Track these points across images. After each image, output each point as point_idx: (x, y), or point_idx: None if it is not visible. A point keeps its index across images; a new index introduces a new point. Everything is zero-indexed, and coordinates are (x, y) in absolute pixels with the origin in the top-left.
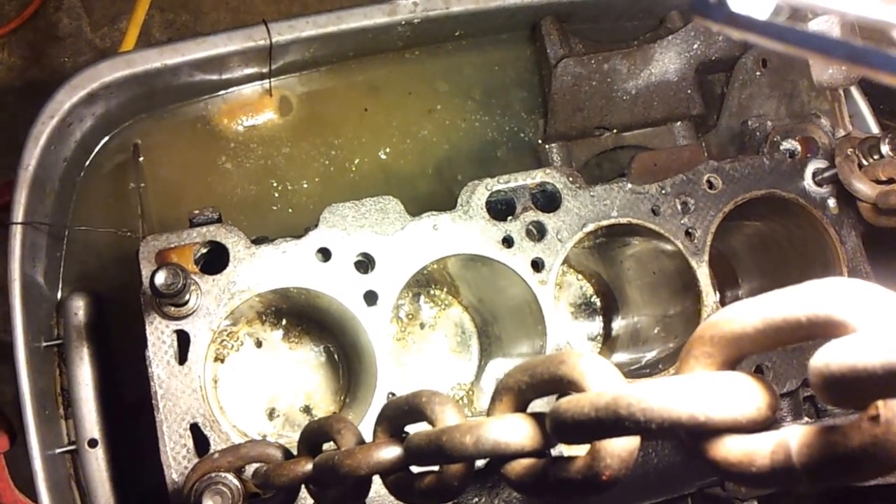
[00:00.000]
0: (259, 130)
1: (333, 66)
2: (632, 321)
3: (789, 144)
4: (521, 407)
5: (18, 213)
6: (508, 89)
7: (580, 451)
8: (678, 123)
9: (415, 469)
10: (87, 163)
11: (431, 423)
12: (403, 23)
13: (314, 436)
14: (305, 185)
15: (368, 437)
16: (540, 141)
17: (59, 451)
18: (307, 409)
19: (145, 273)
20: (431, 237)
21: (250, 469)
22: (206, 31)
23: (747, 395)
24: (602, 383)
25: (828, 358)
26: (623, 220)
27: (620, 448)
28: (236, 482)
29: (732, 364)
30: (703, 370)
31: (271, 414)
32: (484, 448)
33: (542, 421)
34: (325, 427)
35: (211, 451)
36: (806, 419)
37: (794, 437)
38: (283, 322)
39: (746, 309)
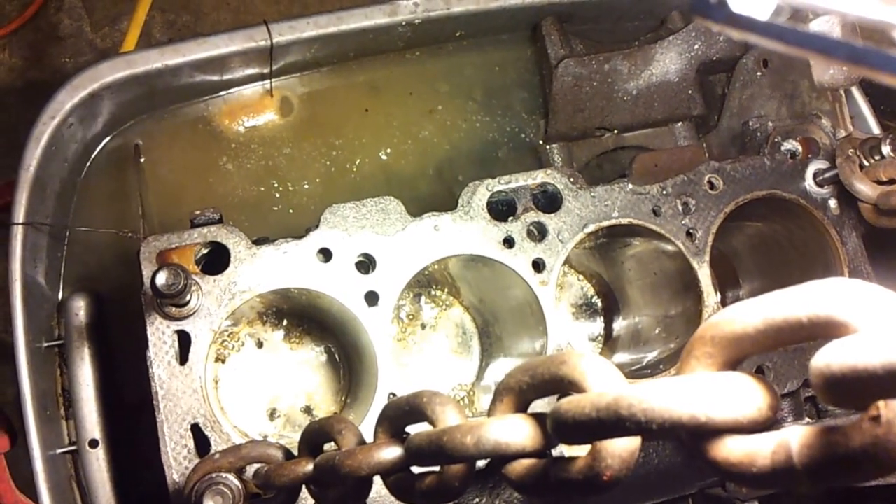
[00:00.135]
0: (260, 131)
1: (334, 67)
2: (633, 322)
3: (790, 145)
4: (522, 407)
5: (19, 214)
6: (509, 90)
7: (581, 451)
8: (679, 124)
9: (416, 469)
10: (88, 163)
11: (432, 423)
12: (404, 23)
13: (315, 436)
14: (306, 186)
15: (369, 438)
16: (541, 141)
17: (59, 451)
18: (308, 410)
19: (146, 273)
20: (432, 238)
21: (251, 469)
22: (206, 31)
23: (748, 396)
24: (603, 384)
25: (829, 358)
26: (624, 221)
27: (621, 448)
28: (237, 483)
29: (733, 364)
30: (704, 371)
31: (272, 414)
32: (485, 448)
33: (543, 421)
34: (326, 427)
35: (212, 451)
36: (807, 420)
37: (794, 437)
38: (284, 322)
39: (747, 309)
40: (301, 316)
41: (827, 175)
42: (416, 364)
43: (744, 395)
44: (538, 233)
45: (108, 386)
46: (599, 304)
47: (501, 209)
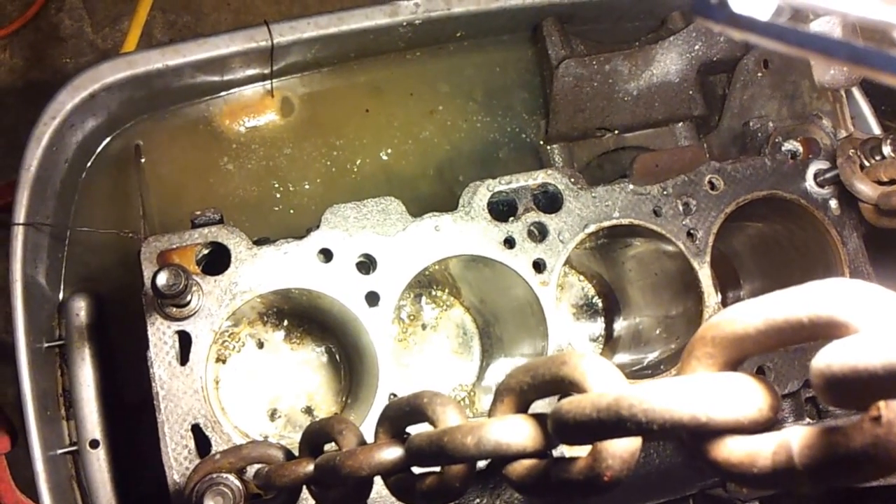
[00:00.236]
0: (261, 131)
1: (335, 67)
2: (633, 322)
3: (791, 145)
4: (522, 408)
5: (20, 214)
6: (510, 90)
7: (582, 451)
8: (680, 124)
9: (416, 470)
10: (89, 164)
11: (433, 423)
12: (405, 24)
13: (316, 436)
14: (307, 186)
15: (370, 438)
16: (541, 142)
17: (60, 451)
18: (309, 410)
19: (147, 274)
20: (433, 238)
21: (252, 470)
22: (207, 32)
23: (749, 396)
24: (604, 384)
25: (829, 359)
26: (625, 221)
27: (622, 449)
28: (238, 483)
29: (734, 365)
30: (705, 371)
31: (273, 415)
32: (485, 449)
33: (544, 422)
34: (327, 428)
35: (212, 451)
36: (807, 420)
37: (795, 437)
38: (285, 323)
39: (748, 310)
40: (302, 316)
41: (827, 175)
42: (417, 364)
43: (744, 396)
44: (539, 233)
45: (108, 386)
46: (600, 305)
47: (502, 209)
